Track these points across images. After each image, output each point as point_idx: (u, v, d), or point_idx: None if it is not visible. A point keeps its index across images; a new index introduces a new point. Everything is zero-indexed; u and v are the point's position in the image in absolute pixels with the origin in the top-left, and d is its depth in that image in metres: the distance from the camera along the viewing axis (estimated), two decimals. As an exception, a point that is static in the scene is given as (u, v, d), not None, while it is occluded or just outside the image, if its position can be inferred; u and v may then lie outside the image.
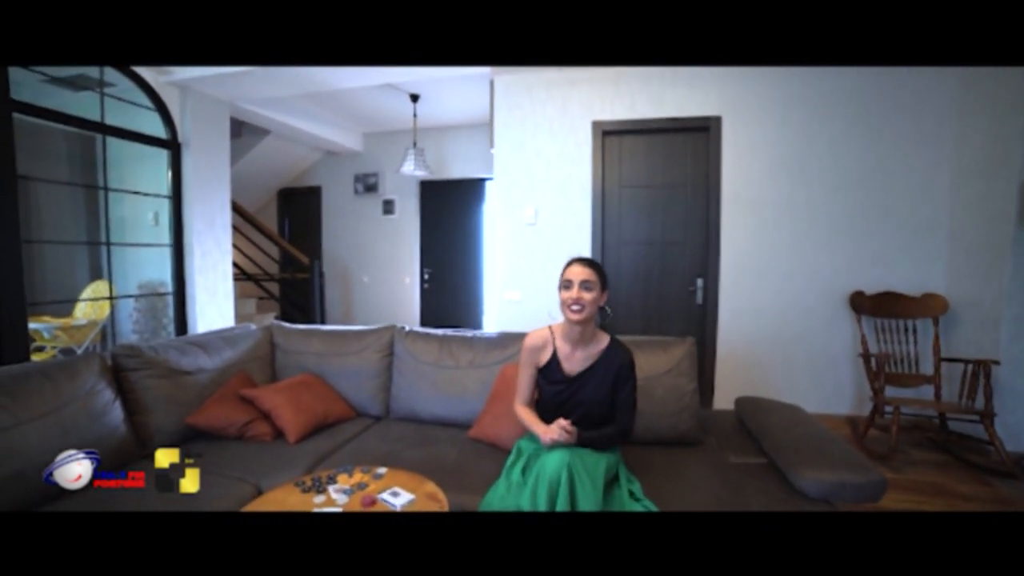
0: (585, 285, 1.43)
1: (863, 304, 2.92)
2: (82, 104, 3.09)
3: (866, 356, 2.79)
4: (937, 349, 2.77)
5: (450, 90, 4.19)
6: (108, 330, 3.54)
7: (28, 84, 2.80)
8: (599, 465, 1.37)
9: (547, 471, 1.28)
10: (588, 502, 1.25)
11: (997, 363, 2.49)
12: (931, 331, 2.82)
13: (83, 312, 3.53)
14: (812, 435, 1.62)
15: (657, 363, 1.90)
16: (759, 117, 3.07)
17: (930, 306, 2.81)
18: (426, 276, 5.61)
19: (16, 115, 2.56)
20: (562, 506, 1.23)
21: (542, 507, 1.24)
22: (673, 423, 1.83)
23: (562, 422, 1.37)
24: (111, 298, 3.38)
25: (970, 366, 2.54)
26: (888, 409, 2.64)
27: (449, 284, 5.57)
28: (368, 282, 5.77)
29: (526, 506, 1.28)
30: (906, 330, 2.88)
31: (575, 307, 1.42)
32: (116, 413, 1.63)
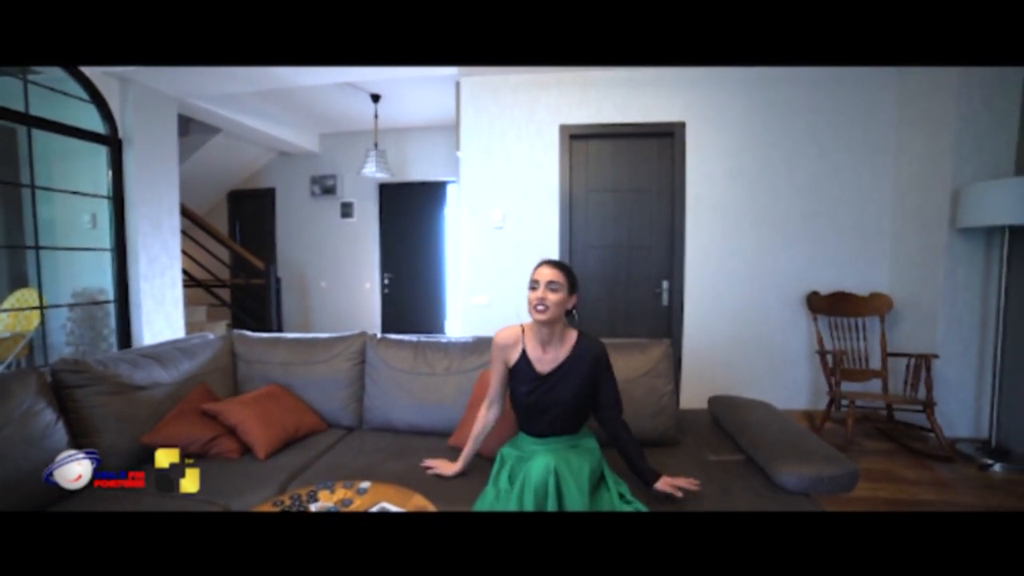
0: (551, 286, 1.43)
1: (818, 304, 3.08)
2: (1, 91, 2.78)
3: (822, 353, 2.95)
4: (884, 345, 2.96)
5: (413, 91, 4.11)
6: (36, 343, 3.22)
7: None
8: (584, 468, 1.36)
9: (533, 477, 1.26)
10: (576, 506, 1.24)
11: (936, 357, 2.69)
12: (878, 328, 3.01)
13: (5, 324, 3.19)
14: (787, 431, 1.68)
15: (635, 365, 1.92)
16: (721, 124, 3.19)
17: (876, 305, 3.01)
18: (387, 281, 5.48)
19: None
20: (551, 511, 1.22)
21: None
22: (653, 424, 1.85)
23: (679, 481, 1.41)
24: (40, 307, 3.07)
25: (913, 360, 2.73)
26: (844, 403, 2.80)
27: (410, 289, 5.46)
28: (327, 287, 5.56)
29: (515, 513, 1.25)
30: (857, 328, 3.06)
31: (539, 307, 1.42)
32: (59, 436, 1.46)
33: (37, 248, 2.98)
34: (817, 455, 1.49)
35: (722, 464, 1.67)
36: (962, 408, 2.81)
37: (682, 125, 3.20)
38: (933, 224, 2.85)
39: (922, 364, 2.67)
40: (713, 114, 3.19)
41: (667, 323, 3.30)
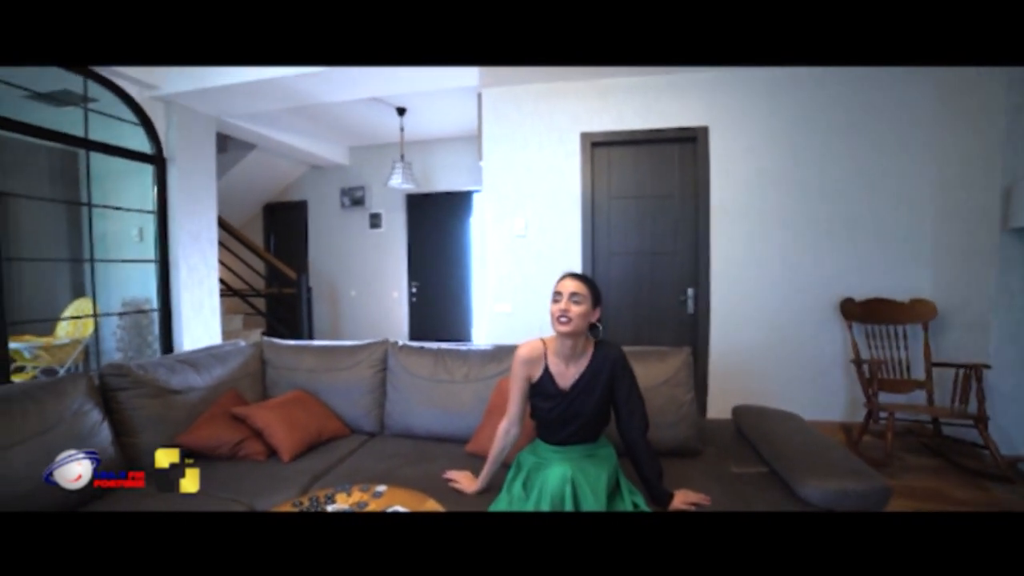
0: (574, 298, 1.42)
1: (853, 310, 2.96)
2: (65, 119, 3.03)
3: (858, 362, 2.82)
4: (928, 354, 2.80)
5: (437, 103, 4.20)
6: (91, 349, 3.44)
7: (9, 99, 2.74)
8: (601, 477, 1.35)
9: (550, 485, 1.27)
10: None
11: (988, 367, 2.53)
12: (921, 336, 2.86)
13: (65, 331, 3.43)
14: (812, 443, 1.62)
15: (654, 373, 1.90)
16: (745, 127, 3.12)
17: (919, 312, 2.86)
18: (414, 289, 5.58)
19: (-4, 131, 2.51)
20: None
21: None
22: (672, 433, 1.82)
23: (691, 496, 1.43)
24: (95, 316, 3.29)
25: (962, 371, 2.57)
26: (882, 415, 2.66)
27: (437, 297, 5.54)
28: (356, 296, 5.71)
29: (530, 522, 1.25)
30: (896, 336, 2.91)
31: (562, 319, 1.41)
32: (104, 434, 1.57)
33: (92, 261, 3.19)
34: (843, 468, 1.43)
35: (744, 476, 1.62)
36: (1019, 424, 2.63)
37: (705, 129, 3.16)
38: (981, 225, 2.70)
39: (972, 375, 2.51)
40: (737, 117, 3.13)
41: (693, 331, 3.23)
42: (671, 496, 1.44)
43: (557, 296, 1.45)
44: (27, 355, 3.26)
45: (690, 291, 3.24)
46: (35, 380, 1.64)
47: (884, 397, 2.83)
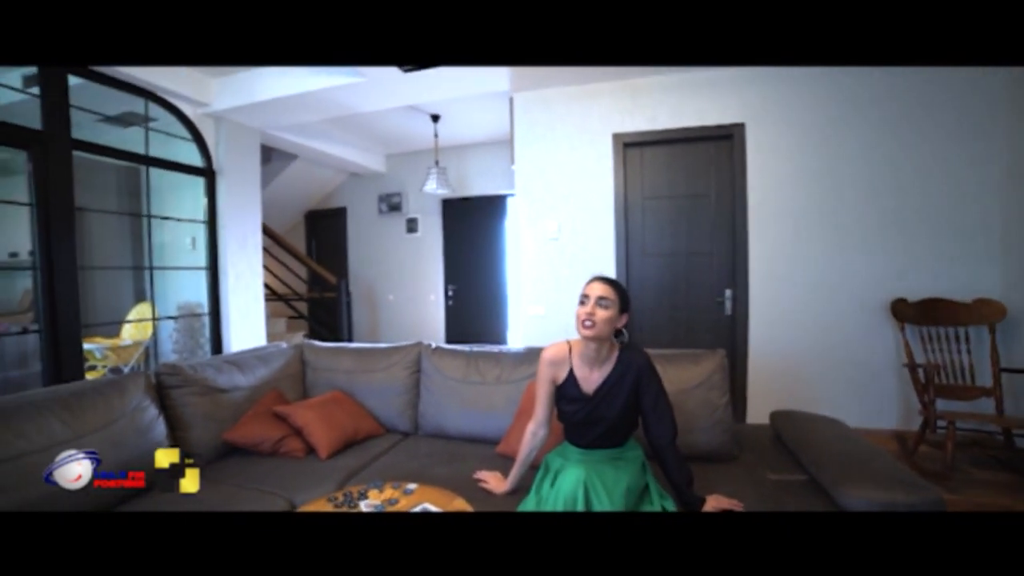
0: (601, 302, 1.40)
1: (906, 312, 2.79)
2: (129, 138, 3.27)
3: (912, 366, 2.66)
4: (995, 359, 2.59)
5: (469, 109, 4.27)
6: (151, 350, 3.69)
7: (85, 123, 2.99)
8: (620, 483, 1.33)
9: (563, 489, 1.27)
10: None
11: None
12: (987, 339, 2.66)
13: (129, 333, 3.69)
14: (857, 450, 1.54)
15: (687, 376, 1.86)
16: (784, 122, 3.01)
17: (984, 312, 2.65)
18: (450, 293, 5.66)
19: (75, 152, 2.74)
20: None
21: None
22: (706, 438, 1.77)
23: (723, 502, 1.40)
24: (153, 319, 3.52)
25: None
26: (941, 424, 2.49)
27: (473, 300, 5.60)
28: (394, 300, 5.85)
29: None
30: (957, 339, 2.72)
31: (587, 323, 1.40)
32: (160, 429, 1.70)
33: (151, 268, 3.43)
34: (891, 478, 1.35)
35: (782, 484, 1.56)
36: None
37: (741, 126, 3.06)
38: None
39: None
40: (775, 112, 3.02)
41: (731, 333, 3.13)
42: (702, 501, 1.41)
43: (584, 299, 1.43)
44: (98, 355, 3.53)
45: (728, 292, 3.15)
46: (102, 378, 1.78)
47: (944, 405, 2.65)
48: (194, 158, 3.60)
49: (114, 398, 1.61)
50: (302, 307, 5.72)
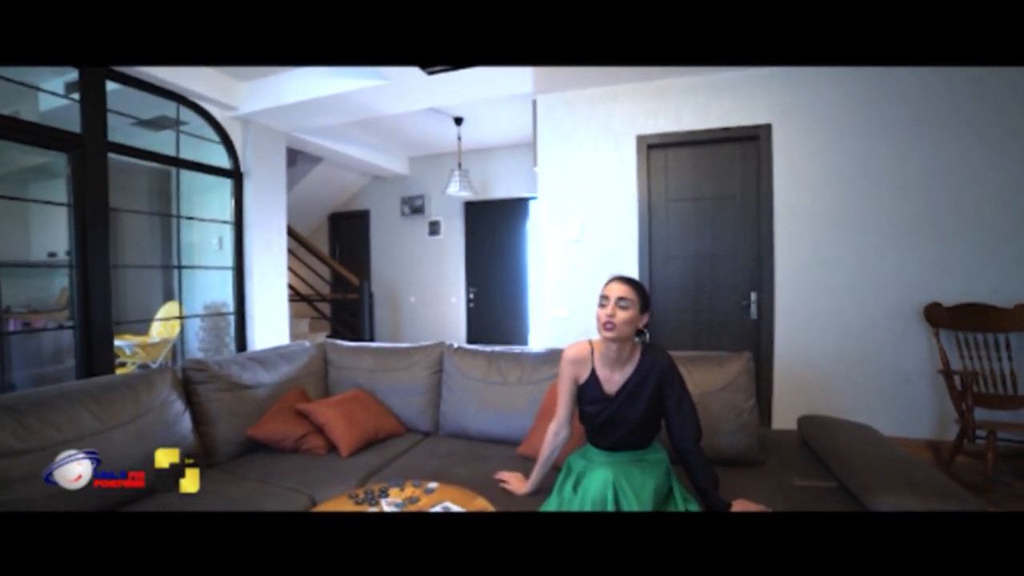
0: (621, 303, 1.38)
1: (940, 317, 2.69)
2: (160, 142, 3.38)
3: (947, 373, 2.55)
4: (1035, 366, 2.49)
5: (492, 112, 4.29)
6: (178, 347, 3.79)
7: (120, 127, 3.10)
8: (647, 484, 1.31)
9: (591, 491, 1.25)
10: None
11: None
12: (1026, 347, 2.55)
13: (157, 331, 3.79)
14: (890, 457, 1.48)
15: (712, 379, 1.82)
16: (812, 123, 2.94)
17: (1024, 318, 2.55)
18: (472, 295, 5.68)
19: (110, 155, 2.84)
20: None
21: None
22: (731, 441, 1.73)
23: (750, 507, 1.36)
24: (181, 317, 3.62)
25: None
26: (980, 434, 2.39)
27: (495, 302, 5.61)
28: (415, 302, 5.90)
29: (577, 525, 1.24)
30: (997, 345, 2.61)
31: (608, 325, 1.37)
32: (185, 423, 1.73)
33: (180, 267, 3.52)
34: (927, 486, 1.30)
35: (810, 490, 1.52)
36: None
37: (767, 127, 3.00)
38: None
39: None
40: (802, 113, 2.95)
41: (756, 338, 3.06)
42: (728, 505, 1.37)
43: (604, 300, 1.41)
44: (128, 352, 3.64)
45: (753, 295, 3.08)
46: (131, 373, 1.82)
47: (982, 414, 2.54)
48: (222, 160, 3.69)
49: (142, 392, 1.65)
50: (325, 308, 5.80)
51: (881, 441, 1.62)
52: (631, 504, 1.23)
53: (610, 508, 1.21)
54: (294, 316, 5.08)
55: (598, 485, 1.24)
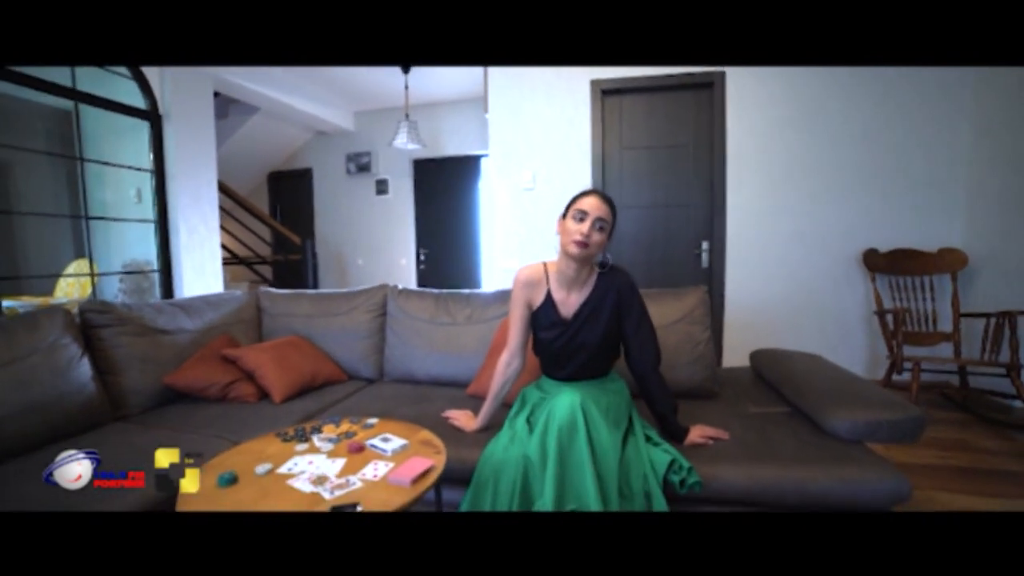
0: (600, 223, 1.26)
1: (877, 262, 2.79)
2: (57, 74, 2.92)
3: (881, 313, 2.67)
4: (956, 305, 2.65)
5: (442, 58, 4.03)
6: (92, 310, 3.40)
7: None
8: (610, 410, 1.25)
9: (558, 415, 1.15)
10: (604, 444, 1.14)
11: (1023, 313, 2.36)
12: (949, 287, 2.70)
13: (64, 291, 3.38)
14: (839, 378, 1.50)
15: (670, 312, 1.78)
16: (765, 71, 2.93)
17: (948, 261, 2.69)
18: (422, 257, 5.48)
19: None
20: (578, 450, 1.11)
21: (552, 454, 1.11)
22: (688, 373, 1.71)
23: (708, 431, 1.35)
24: (92, 275, 3.23)
25: (994, 320, 2.42)
26: (907, 366, 2.52)
27: (447, 265, 5.44)
28: (363, 265, 5.63)
29: (534, 454, 1.15)
30: (923, 287, 2.76)
31: (582, 243, 1.23)
32: (83, 370, 1.50)
33: (87, 218, 3.13)
34: (875, 400, 1.32)
35: (765, 415, 1.51)
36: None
37: (721, 75, 2.96)
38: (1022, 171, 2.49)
39: (1005, 323, 2.35)
40: (758, 56, 2.92)
41: (707, 285, 3.05)
42: (687, 431, 1.34)
43: (580, 215, 1.26)
44: (21, 313, 3.22)
45: (705, 244, 3.09)
46: (11, 314, 1.56)
47: (909, 351, 2.68)
48: (136, 100, 3.27)
49: (21, 333, 1.41)
50: (266, 271, 5.44)
51: (831, 366, 1.64)
52: (599, 427, 1.15)
53: (580, 430, 1.12)
54: (231, 279, 4.73)
55: (564, 409, 1.15)
